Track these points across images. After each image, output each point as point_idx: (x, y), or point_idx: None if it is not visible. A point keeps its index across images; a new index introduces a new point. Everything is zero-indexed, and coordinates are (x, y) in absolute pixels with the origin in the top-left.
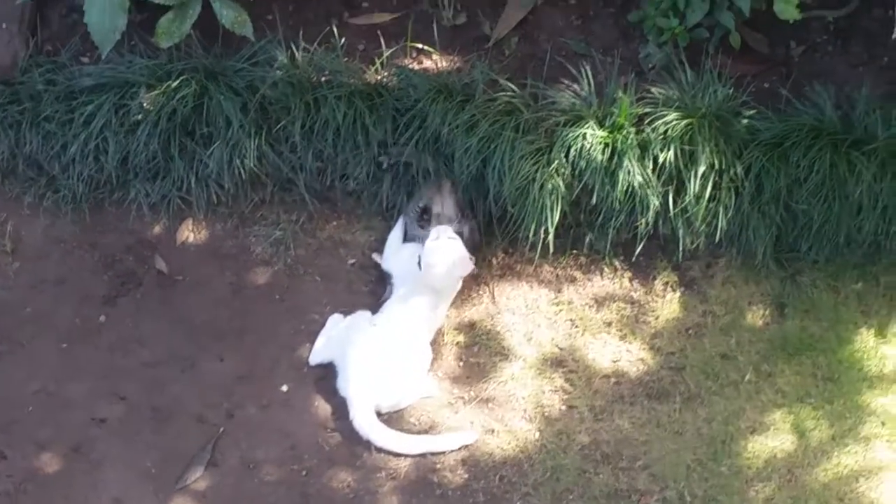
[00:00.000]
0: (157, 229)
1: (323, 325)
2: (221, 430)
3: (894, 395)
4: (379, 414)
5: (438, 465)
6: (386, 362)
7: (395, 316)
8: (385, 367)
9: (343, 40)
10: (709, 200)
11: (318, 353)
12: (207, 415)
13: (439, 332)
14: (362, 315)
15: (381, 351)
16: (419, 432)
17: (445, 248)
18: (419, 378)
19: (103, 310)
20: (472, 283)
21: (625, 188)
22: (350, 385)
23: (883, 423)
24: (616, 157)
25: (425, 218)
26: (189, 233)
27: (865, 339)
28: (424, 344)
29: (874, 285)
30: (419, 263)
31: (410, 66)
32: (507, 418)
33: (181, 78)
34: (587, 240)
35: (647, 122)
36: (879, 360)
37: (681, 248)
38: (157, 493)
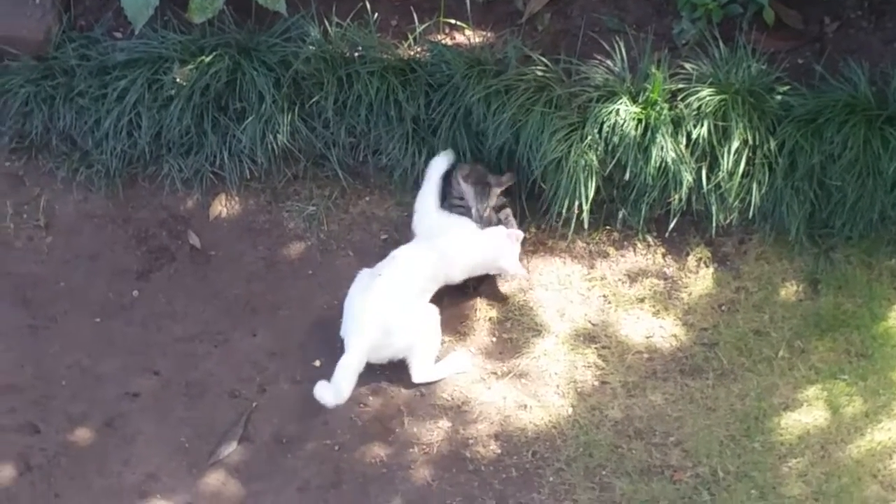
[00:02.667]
0: (189, 204)
1: None
2: (254, 405)
3: None
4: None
5: (471, 441)
6: (381, 310)
7: (398, 266)
8: (379, 313)
9: (376, 15)
10: (742, 176)
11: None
12: (240, 390)
13: (472, 308)
14: (368, 270)
15: (378, 297)
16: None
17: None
18: (417, 332)
19: (136, 285)
20: None
21: (658, 164)
22: (344, 328)
23: None
24: (649, 133)
25: (481, 196)
26: (222, 208)
27: None
28: (423, 300)
29: None
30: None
31: (443, 42)
32: (539, 394)
33: (214, 53)
34: (620, 215)
35: (680, 98)
36: None
37: (714, 224)
38: (190, 468)
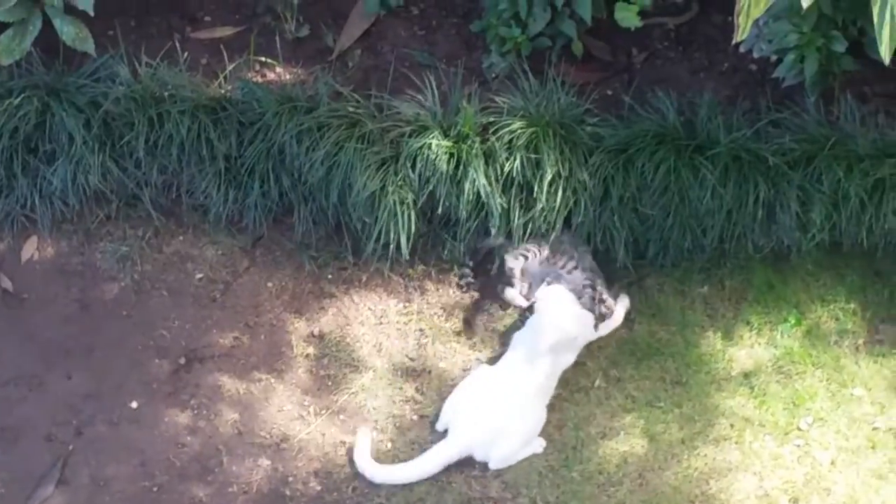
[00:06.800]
0: (0, 248)
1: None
2: (71, 448)
3: (742, 397)
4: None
5: (290, 478)
6: (497, 412)
7: (516, 368)
8: (495, 416)
9: (186, 55)
10: (557, 208)
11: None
12: (56, 433)
13: (289, 344)
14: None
15: (495, 399)
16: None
17: (559, 299)
18: (526, 439)
19: None
20: (321, 295)
21: (471, 198)
22: (449, 419)
23: (732, 425)
24: (461, 167)
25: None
26: (34, 250)
27: (712, 342)
28: (540, 405)
29: (720, 289)
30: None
31: (254, 80)
32: (358, 429)
33: (22, 95)
34: (436, 249)
35: (492, 131)
36: (727, 362)
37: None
38: None
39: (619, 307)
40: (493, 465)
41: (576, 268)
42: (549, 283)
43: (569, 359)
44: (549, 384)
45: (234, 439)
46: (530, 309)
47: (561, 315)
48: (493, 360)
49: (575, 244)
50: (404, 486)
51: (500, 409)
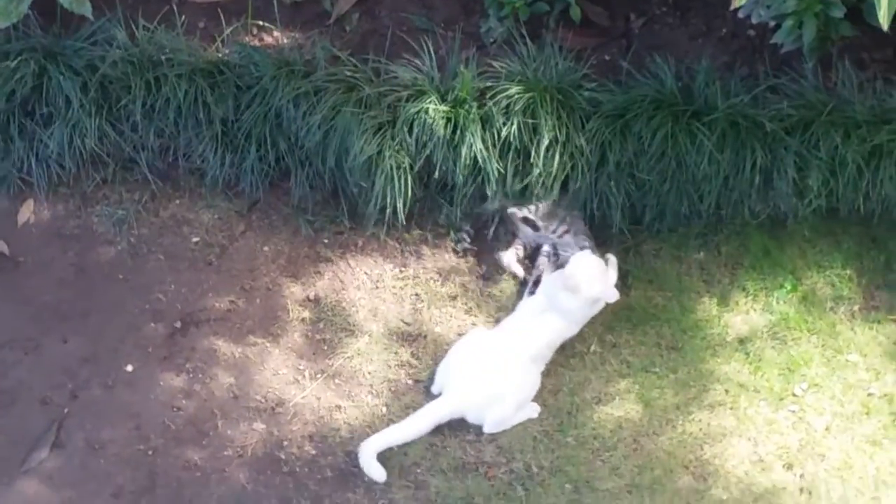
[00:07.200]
0: None
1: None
2: (66, 411)
3: (737, 362)
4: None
5: (286, 442)
6: (493, 375)
7: (516, 333)
8: (490, 379)
9: (183, 18)
10: (554, 173)
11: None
12: (52, 396)
13: (284, 308)
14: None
15: (491, 362)
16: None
17: (590, 260)
18: (521, 403)
19: None
20: (317, 259)
21: (468, 162)
22: (443, 382)
23: (727, 391)
24: (459, 132)
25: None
26: (30, 214)
27: (708, 307)
28: (535, 371)
29: (716, 255)
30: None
31: (251, 44)
32: (353, 393)
33: (19, 58)
34: (432, 214)
35: (489, 96)
36: (722, 328)
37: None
38: (1, 477)
39: (612, 270)
40: (487, 429)
41: (567, 232)
42: (548, 251)
43: (573, 329)
44: (548, 353)
45: (230, 403)
46: (526, 281)
47: (595, 279)
48: (488, 325)
49: (567, 209)
50: (399, 449)
51: (496, 372)
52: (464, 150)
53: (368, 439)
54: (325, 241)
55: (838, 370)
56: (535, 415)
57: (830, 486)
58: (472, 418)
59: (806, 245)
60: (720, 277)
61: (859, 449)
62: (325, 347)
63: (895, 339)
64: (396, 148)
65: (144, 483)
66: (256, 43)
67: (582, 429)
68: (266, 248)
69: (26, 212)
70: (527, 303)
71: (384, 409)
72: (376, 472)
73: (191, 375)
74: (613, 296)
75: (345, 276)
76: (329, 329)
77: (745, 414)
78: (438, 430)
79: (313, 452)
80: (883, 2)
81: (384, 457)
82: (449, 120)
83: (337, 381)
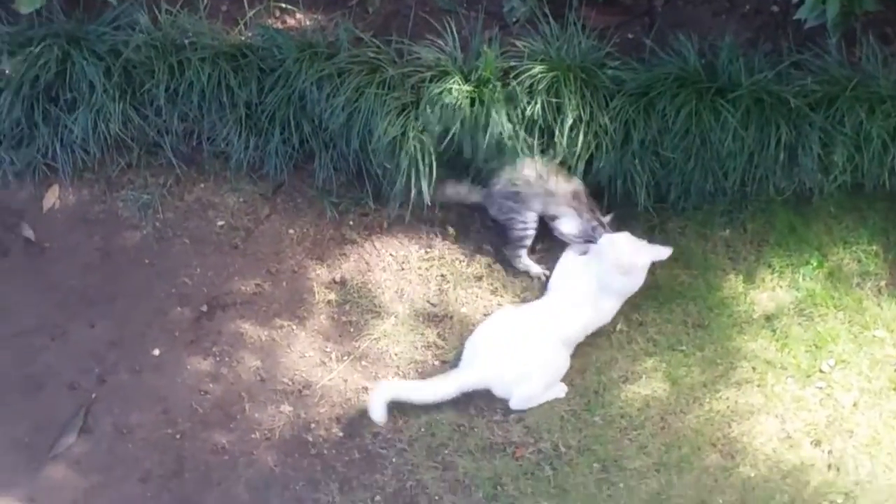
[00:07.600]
0: (22, 197)
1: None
2: (94, 396)
3: (764, 339)
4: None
5: (313, 425)
6: (523, 351)
7: (549, 312)
8: (520, 354)
9: (206, 1)
10: (578, 152)
11: None
12: (79, 381)
13: (310, 291)
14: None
15: (522, 339)
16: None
17: (622, 237)
18: (549, 382)
19: None
20: (343, 242)
21: (492, 142)
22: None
23: (754, 368)
24: (483, 112)
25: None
26: (55, 199)
27: (734, 285)
28: (565, 352)
29: (742, 232)
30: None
31: (274, 26)
32: (380, 375)
33: (43, 44)
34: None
35: (512, 75)
36: (748, 305)
37: None
38: (29, 462)
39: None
40: (513, 405)
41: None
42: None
43: (612, 314)
44: (582, 336)
45: (256, 386)
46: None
47: (639, 250)
48: (515, 304)
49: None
50: (425, 431)
51: (525, 349)
52: (489, 130)
53: (388, 382)
54: (350, 223)
55: (865, 346)
56: (563, 395)
57: (859, 461)
58: (498, 391)
59: (832, 221)
60: (746, 255)
61: (887, 424)
62: (352, 329)
63: None
64: (420, 128)
65: (172, 467)
66: (279, 25)
67: (609, 408)
68: (291, 231)
69: (52, 197)
70: (558, 282)
71: None
72: (377, 413)
73: (217, 359)
74: (667, 250)
75: (370, 258)
76: (355, 311)
77: (773, 391)
78: (465, 410)
79: (340, 434)
80: None
81: (412, 438)
82: (473, 100)
83: (363, 362)
